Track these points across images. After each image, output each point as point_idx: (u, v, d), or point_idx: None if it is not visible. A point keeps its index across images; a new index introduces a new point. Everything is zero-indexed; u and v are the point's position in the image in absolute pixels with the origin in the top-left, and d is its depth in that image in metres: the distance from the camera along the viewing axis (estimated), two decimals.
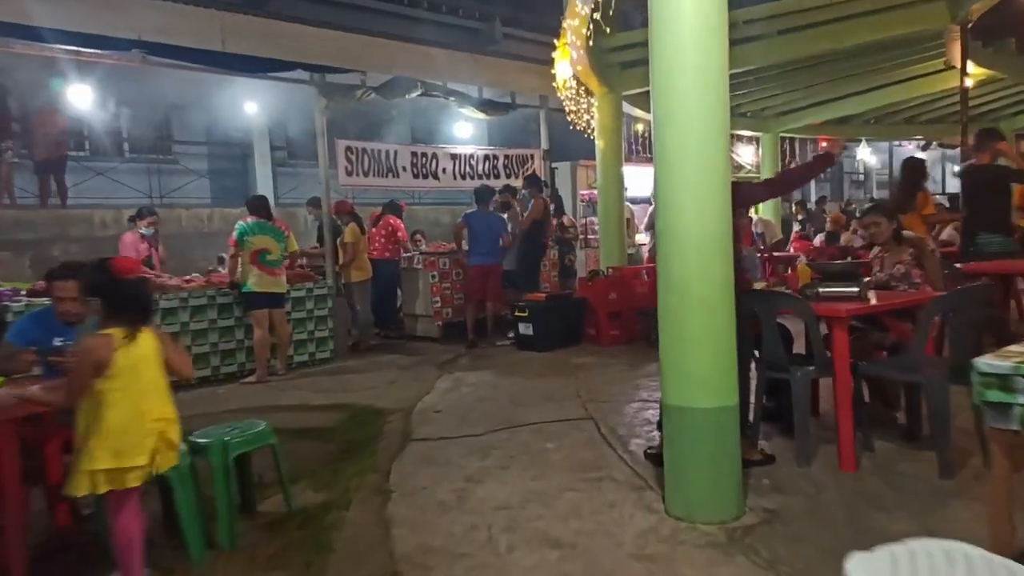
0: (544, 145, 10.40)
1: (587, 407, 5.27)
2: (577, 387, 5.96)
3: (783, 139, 13.27)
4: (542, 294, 7.94)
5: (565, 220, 9.87)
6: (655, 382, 5.95)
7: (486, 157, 9.80)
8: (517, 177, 9.80)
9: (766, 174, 12.90)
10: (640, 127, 10.94)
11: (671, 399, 3.33)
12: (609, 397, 5.57)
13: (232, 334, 6.96)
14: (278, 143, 13.86)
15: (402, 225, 9.05)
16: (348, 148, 8.35)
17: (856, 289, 3.90)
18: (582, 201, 11.18)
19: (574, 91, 7.96)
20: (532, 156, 10.25)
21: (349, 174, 8.34)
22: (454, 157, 9.45)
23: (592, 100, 8.42)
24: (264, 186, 12.35)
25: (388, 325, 9.19)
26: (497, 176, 9.84)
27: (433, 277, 8.48)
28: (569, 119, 8.43)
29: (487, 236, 8.11)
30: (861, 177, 26.75)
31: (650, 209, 11.07)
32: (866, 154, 14.19)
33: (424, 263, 8.57)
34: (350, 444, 4.76)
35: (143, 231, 7.51)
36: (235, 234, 6.75)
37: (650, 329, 7.59)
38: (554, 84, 7.86)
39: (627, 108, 9.14)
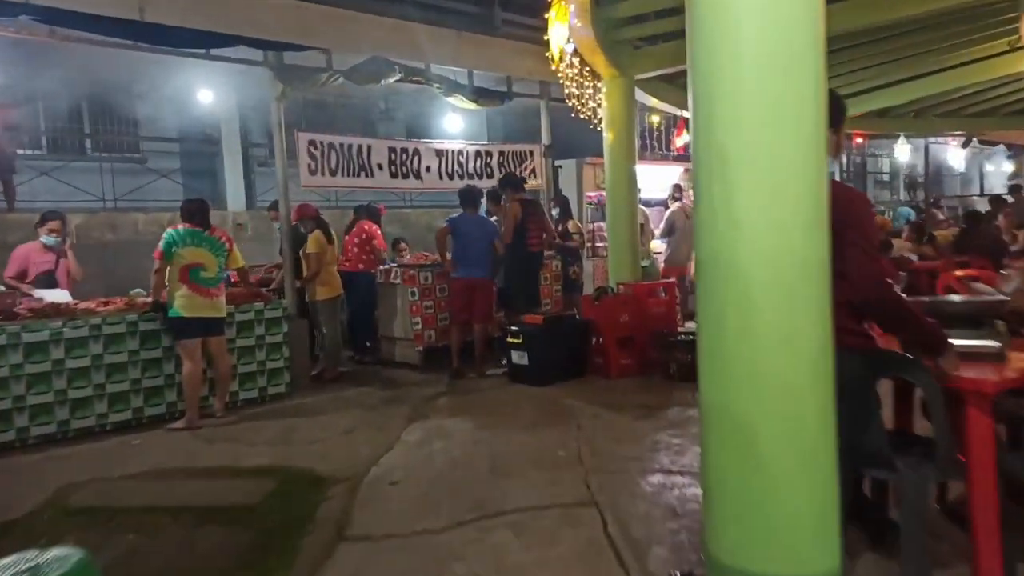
0: (545, 140, 9.11)
1: (590, 481, 3.97)
2: (578, 444, 4.66)
3: None
4: (539, 315, 6.64)
5: (570, 226, 8.56)
6: (679, 437, 4.64)
7: (478, 154, 8.52)
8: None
9: None
10: (656, 119, 9.61)
11: (728, 557, 2.04)
12: (619, 463, 4.26)
13: (159, 368, 5.72)
14: (259, 140, 12.64)
15: (379, 232, 7.78)
16: (311, 143, 7.10)
17: (996, 346, 2.57)
18: (589, 204, 9.87)
19: (576, 71, 6.65)
20: (531, 153, 8.96)
21: (313, 173, 7.08)
22: (440, 154, 8.18)
23: (599, 84, 7.11)
24: (235, 187, 11.12)
25: (363, 349, 7.93)
26: (491, 176, 8.56)
27: (412, 294, 7.21)
28: (570, 104, 7.13)
29: (476, 245, 6.85)
30: (886, 177, 25.29)
31: (667, 212, 9.78)
32: (905, 152, 12.80)
33: (403, 277, 7.30)
34: (267, 537, 3.49)
35: (44, 239, 6.27)
36: (161, 244, 5.50)
37: (669, 358, 6.28)
38: (548, 55, 6.54)
39: (640, 96, 7.82)
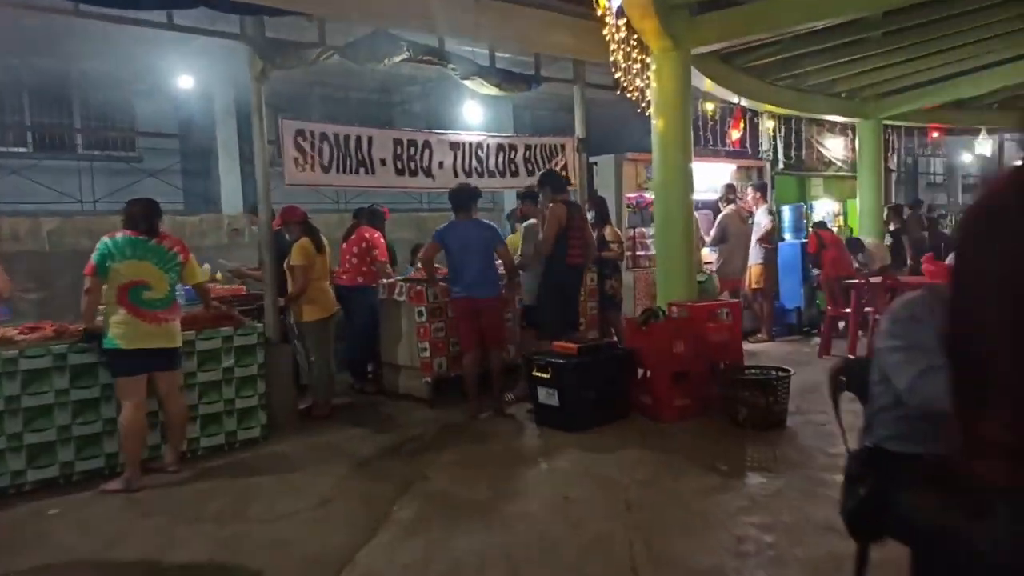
0: (579, 133, 7.82)
1: None
2: (629, 537, 3.37)
3: (886, 128, 10.44)
4: (573, 344, 5.35)
5: (607, 232, 7.27)
6: (771, 530, 3.33)
7: (500, 148, 7.26)
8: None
9: (864, 173, 10.13)
10: (710, 107, 8.26)
11: None
12: None
13: (95, 411, 4.55)
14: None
15: (381, 240, 6.56)
16: (299, 133, 5.90)
17: None
18: (628, 207, 8.55)
19: (623, 36, 5.36)
20: (562, 147, 7.68)
21: (300, 168, 5.89)
22: (455, 147, 6.93)
23: (647, 60, 5.82)
24: (231, 188, 10.01)
25: (364, 376, 6.73)
26: (515, 173, 7.31)
27: (420, 315, 5.98)
28: (615, 75, 5.85)
29: (474, 257, 5.61)
30: (939, 178, 23.48)
31: (719, 217, 8.44)
32: (986, 148, 11.27)
33: (409, 294, 6.08)
34: None
35: None
36: (93, 257, 4.34)
37: (736, 399, 4.96)
38: (595, 6, 5.24)
39: (693, 79, 6.49)
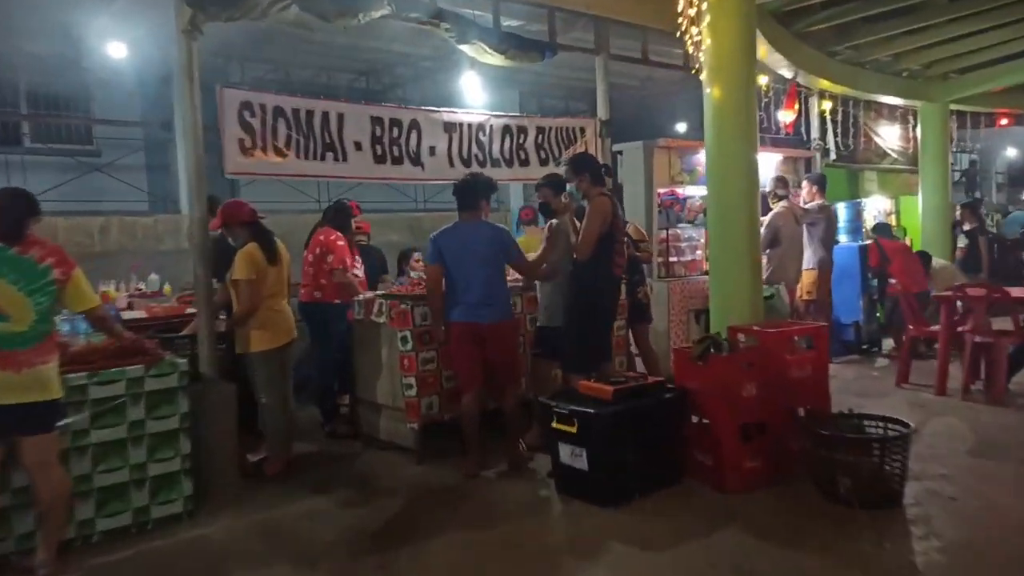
0: (602, 114, 6.46)
1: None
2: None
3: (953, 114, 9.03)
4: (606, 385, 3.96)
5: (631, 230, 5.91)
6: None
7: (506, 130, 5.90)
8: (559, 164, 5.89)
9: (929, 165, 8.72)
10: (764, 80, 6.86)
11: None
12: None
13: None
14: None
15: (340, 242, 5.14)
16: (246, 106, 4.56)
17: None
18: (660, 205, 7.15)
19: None
20: (582, 130, 6.33)
21: (247, 152, 4.55)
22: (450, 129, 5.58)
23: (703, 9, 4.44)
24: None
25: (334, 414, 5.37)
26: (524, 162, 5.97)
27: (404, 341, 4.60)
28: (680, 22, 4.48)
29: (477, 269, 4.29)
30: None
31: (769, 216, 7.05)
32: None
33: (389, 314, 4.71)
34: None
35: None
36: None
37: (832, 463, 3.58)
38: None
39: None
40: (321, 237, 5.02)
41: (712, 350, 4.01)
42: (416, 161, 5.35)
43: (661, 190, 7.13)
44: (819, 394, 4.26)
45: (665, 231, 7.06)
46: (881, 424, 3.86)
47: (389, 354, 4.75)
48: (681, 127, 11.85)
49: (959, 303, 5.96)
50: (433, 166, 5.42)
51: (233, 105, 4.49)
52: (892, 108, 9.30)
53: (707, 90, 4.57)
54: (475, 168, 5.58)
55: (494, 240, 4.36)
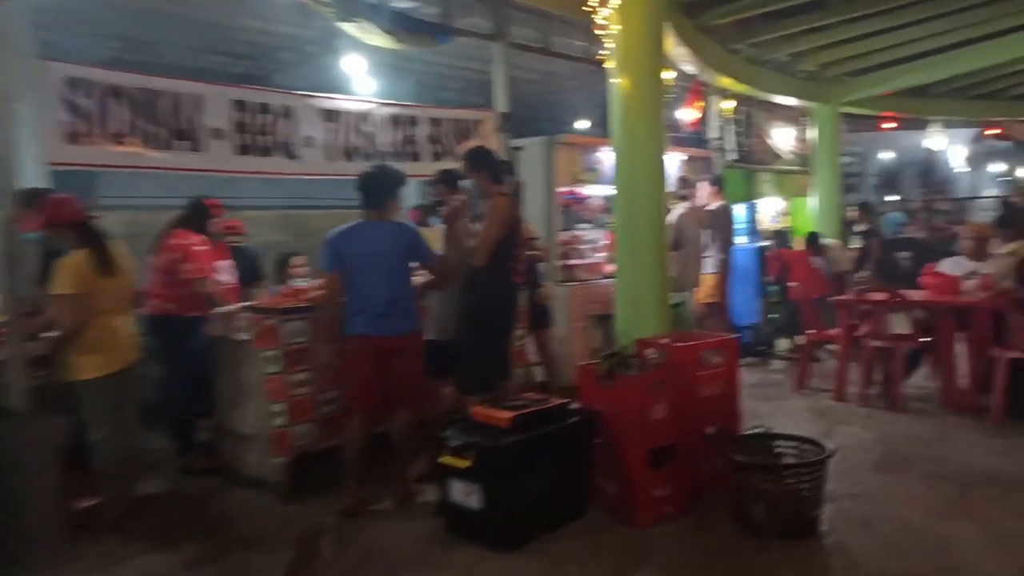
0: (500, 106, 6.01)
1: None
2: None
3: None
4: (505, 410, 3.49)
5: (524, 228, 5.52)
6: None
7: (395, 121, 5.35)
8: (454, 158, 5.39)
9: (821, 168, 8.83)
10: (666, 76, 6.58)
11: None
12: None
13: None
14: None
15: (201, 249, 4.42)
16: (74, 83, 3.79)
17: None
18: (562, 206, 6.77)
19: None
20: (479, 123, 5.85)
21: (75, 139, 3.78)
22: (331, 117, 4.97)
23: None
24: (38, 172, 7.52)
25: (189, 444, 4.64)
26: (415, 156, 5.44)
27: (272, 361, 3.98)
28: (586, 6, 4.06)
29: (380, 275, 3.74)
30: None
31: (671, 216, 6.78)
32: (942, 143, 10.31)
33: (255, 330, 4.06)
34: None
35: None
36: None
37: (747, 489, 3.28)
38: None
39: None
40: (174, 241, 4.28)
41: (620, 369, 3.63)
42: (289, 153, 4.71)
43: (564, 189, 6.76)
44: (730, 411, 3.98)
45: (566, 233, 6.71)
46: (795, 445, 3.61)
47: (253, 377, 4.10)
48: (583, 124, 11.60)
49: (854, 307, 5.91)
50: (310, 159, 4.79)
51: (58, 82, 3.72)
52: (786, 110, 9.38)
53: (615, 82, 4.19)
54: (359, 162, 4.99)
55: (400, 240, 3.81)
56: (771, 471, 3.40)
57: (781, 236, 7.99)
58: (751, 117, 8.77)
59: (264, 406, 4.04)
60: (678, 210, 6.78)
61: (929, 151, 12.85)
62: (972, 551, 3.12)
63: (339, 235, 3.81)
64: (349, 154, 4.99)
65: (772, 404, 5.77)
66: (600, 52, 4.32)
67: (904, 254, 12.98)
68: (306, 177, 5.09)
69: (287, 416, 3.99)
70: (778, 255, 7.39)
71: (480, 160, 4.16)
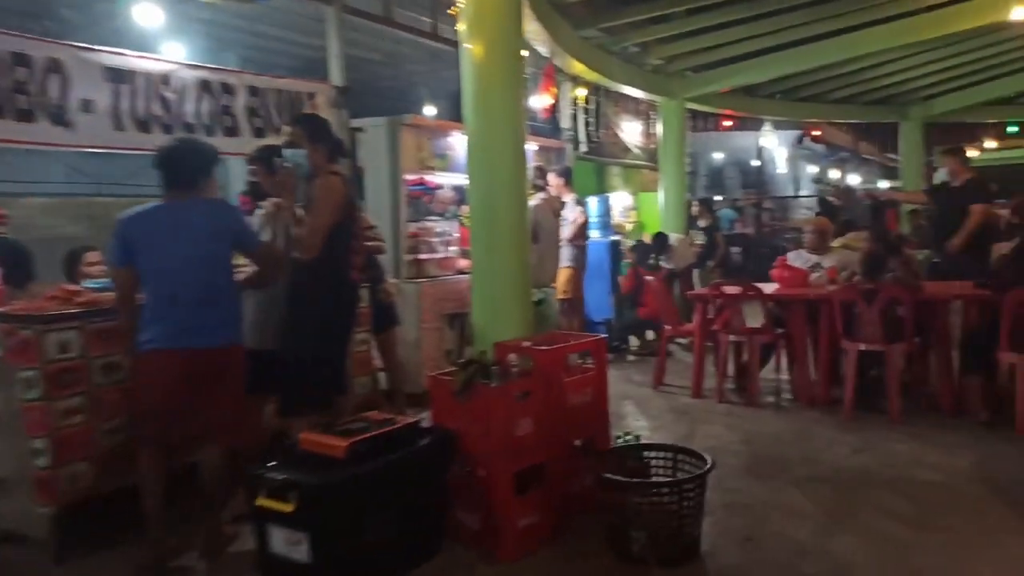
0: (335, 79, 5.28)
1: None
2: None
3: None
4: (340, 437, 2.83)
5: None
6: None
7: (205, 87, 4.46)
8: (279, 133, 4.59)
9: (668, 162, 8.86)
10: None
11: None
12: None
13: None
14: None
15: None
16: None
17: None
18: (410, 196, 6.13)
19: None
20: (310, 96, 5.09)
21: None
22: (118, 77, 4.01)
23: None
24: None
25: None
26: (232, 131, 4.60)
27: (29, 385, 3.04)
28: None
29: (194, 268, 2.94)
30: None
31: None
32: (772, 142, 10.80)
33: (6, 345, 3.10)
34: None
35: None
36: None
37: (624, 511, 2.87)
38: None
39: None
40: None
41: (478, 379, 3.09)
42: (59, 119, 3.71)
43: (412, 176, 6.13)
44: (600, 420, 3.57)
45: (415, 224, 6.10)
46: (670, 456, 3.25)
47: (6, 404, 3.14)
48: (430, 112, 10.99)
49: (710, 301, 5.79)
50: (88, 127, 3.82)
51: None
52: (634, 103, 9.35)
53: (467, 48, 3.64)
54: (158, 135, 4.08)
55: (218, 222, 3.02)
56: (648, 491, 3.01)
57: (641, 251, 7.80)
58: (600, 107, 8.62)
59: (21, 442, 3.09)
60: (533, 201, 6.38)
61: (754, 152, 13.57)
62: (865, 568, 2.89)
63: (131, 219, 2.97)
64: (145, 124, 4.06)
65: (633, 404, 5.53)
66: (450, 29, 3.76)
67: (736, 249, 13.71)
68: (87, 150, 4.08)
69: (52, 454, 3.07)
70: (635, 274, 7.23)
71: (319, 129, 3.45)
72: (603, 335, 7.58)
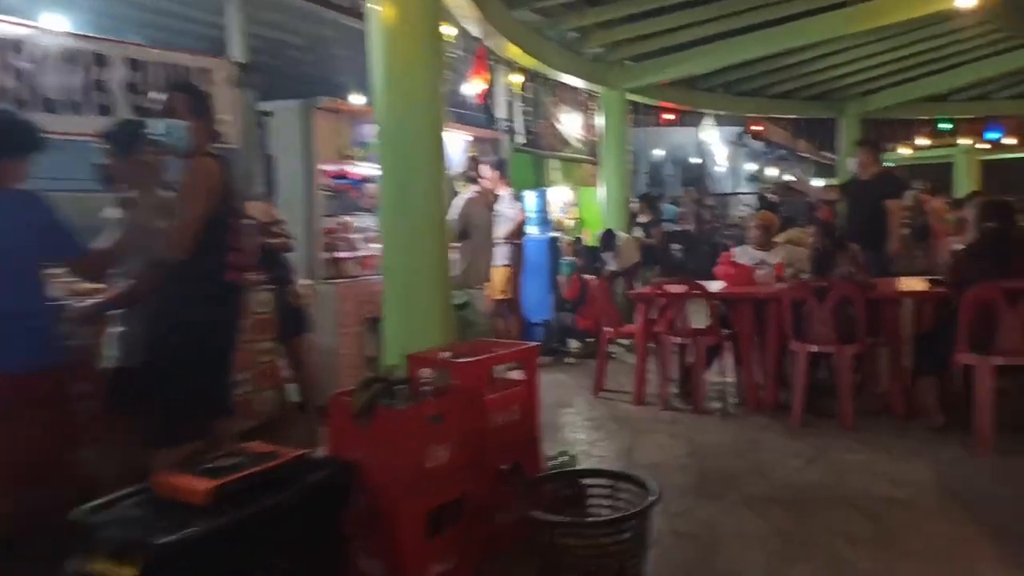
0: (237, 54, 4.69)
1: None
2: None
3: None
4: (206, 478, 2.30)
5: (258, 210, 4.36)
6: None
7: (72, 57, 3.81)
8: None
9: (609, 156, 8.50)
10: (448, 32, 5.66)
11: None
12: None
13: None
14: None
15: None
16: None
17: None
18: (329, 188, 5.56)
19: None
20: (205, 73, 4.48)
21: None
22: None
23: None
24: None
25: None
26: (105, 109, 3.95)
27: None
28: None
29: None
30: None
31: (456, 202, 5.93)
32: (712, 137, 10.59)
33: None
34: None
35: None
36: None
37: (555, 557, 2.41)
38: None
39: None
40: None
41: (382, 401, 2.59)
42: None
43: (328, 168, 5.56)
44: (530, 441, 3.11)
45: (332, 219, 5.53)
46: (611, 484, 2.82)
47: None
48: (359, 100, 10.37)
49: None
50: None
51: None
52: (574, 94, 8.96)
53: (374, 9, 3.13)
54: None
55: (22, 219, 2.44)
56: (583, 530, 2.57)
57: (590, 255, 7.38)
58: (538, 95, 8.19)
59: None
60: (466, 194, 5.91)
61: (695, 149, 13.41)
62: None
63: None
64: None
65: (571, 413, 5.12)
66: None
67: (677, 246, 13.51)
68: None
69: None
70: (580, 280, 6.79)
71: (203, 102, 2.89)
72: (538, 340, 7.29)
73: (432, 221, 3.21)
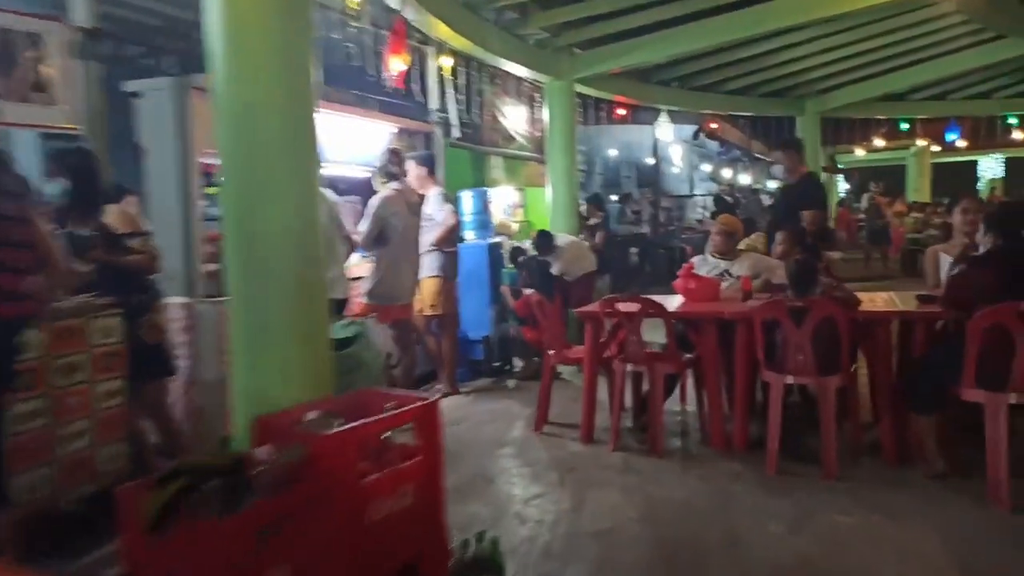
0: (80, 18, 3.73)
1: None
2: None
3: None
4: None
5: (112, 217, 3.44)
6: None
7: None
8: None
9: (556, 153, 7.71)
10: (357, 4, 4.78)
11: None
12: None
13: None
14: None
15: None
16: None
17: None
18: (204, 189, 4.60)
19: None
20: (33, 40, 3.51)
21: None
22: None
23: None
24: None
25: None
26: None
27: None
28: None
29: None
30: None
31: (373, 201, 5.05)
32: (668, 134, 9.92)
33: None
34: None
35: None
36: None
37: None
38: None
39: None
40: None
41: (189, 503, 1.71)
42: None
43: (208, 160, 4.58)
44: (432, 531, 2.26)
45: (213, 224, 4.57)
46: None
47: None
48: None
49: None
50: None
51: None
52: (518, 84, 8.14)
53: None
54: None
55: None
56: None
57: (540, 276, 6.50)
58: (474, 84, 7.34)
59: None
60: (383, 192, 5.03)
61: (650, 150, 12.77)
62: None
63: None
64: None
65: (508, 456, 4.29)
66: None
67: (633, 250, 12.83)
68: None
69: None
70: (527, 301, 5.93)
71: None
72: (477, 359, 6.43)
73: (290, 227, 2.32)
